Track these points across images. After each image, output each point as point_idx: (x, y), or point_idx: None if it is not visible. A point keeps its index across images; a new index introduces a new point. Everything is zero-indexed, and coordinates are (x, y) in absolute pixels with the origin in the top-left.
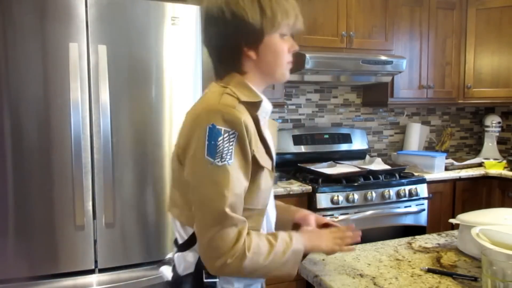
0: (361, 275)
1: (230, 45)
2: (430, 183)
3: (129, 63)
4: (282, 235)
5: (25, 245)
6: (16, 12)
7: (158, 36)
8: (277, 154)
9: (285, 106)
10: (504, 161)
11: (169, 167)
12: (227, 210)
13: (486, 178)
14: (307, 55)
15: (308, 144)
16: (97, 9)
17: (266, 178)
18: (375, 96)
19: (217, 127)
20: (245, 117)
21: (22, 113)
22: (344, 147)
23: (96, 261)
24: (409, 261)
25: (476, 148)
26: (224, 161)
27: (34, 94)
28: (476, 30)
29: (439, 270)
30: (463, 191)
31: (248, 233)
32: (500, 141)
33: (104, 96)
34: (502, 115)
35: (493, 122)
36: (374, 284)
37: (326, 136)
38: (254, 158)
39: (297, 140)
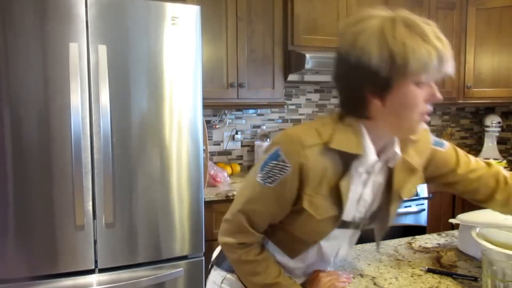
0: (361, 275)
1: (353, 89)
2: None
3: (129, 63)
4: (283, 280)
5: (25, 245)
6: (16, 12)
7: (158, 36)
8: None
9: (285, 106)
10: (504, 161)
11: (169, 167)
12: (240, 216)
13: None
14: (307, 55)
15: None
16: (97, 9)
17: (319, 223)
18: None
19: (280, 152)
20: (312, 162)
21: (22, 113)
22: None
23: (96, 261)
24: (409, 261)
25: (476, 148)
26: (262, 180)
27: (34, 94)
28: (476, 30)
29: (439, 270)
30: None
31: (261, 252)
32: (500, 141)
33: (104, 96)
34: (502, 115)
35: (493, 122)
36: (374, 284)
37: None
38: (301, 199)
39: None
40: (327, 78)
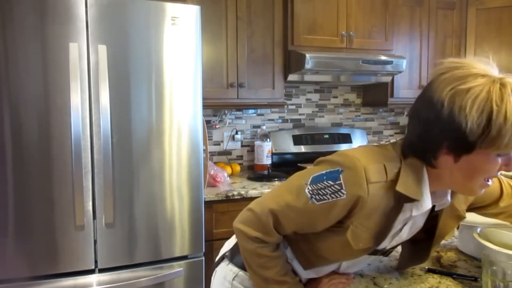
0: (361, 275)
1: (431, 137)
2: None
3: (129, 63)
4: (288, 279)
5: (25, 245)
6: (16, 12)
7: (158, 36)
8: (277, 154)
9: (285, 106)
10: None
11: (169, 167)
12: (269, 217)
13: None
14: (307, 55)
15: (308, 144)
16: (97, 9)
17: (349, 250)
18: (375, 96)
19: (341, 176)
20: (371, 197)
21: (22, 113)
22: (344, 147)
23: (96, 261)
24: None
25: None
26: (311, 196)
27: (34, 94)
28: (476, 30)
29: (439, 270)
30: None
31: (276, 249)
32: None
33: (104, 96)
34: None
35: None
36: (374, 284)
37: (326, 136)
38: (344, 227)
39: (297, 140)
40: (327, 78)
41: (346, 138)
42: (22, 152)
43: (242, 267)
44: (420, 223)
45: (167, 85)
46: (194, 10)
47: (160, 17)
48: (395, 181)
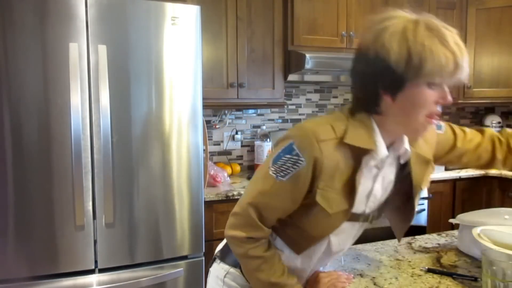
0: (361, 275)
1: (368, 84)
2: (430, 183)
3: (129, 63)
4: (286, 281)
5: (25, 245)
6: (16, 12)
7: (158, 36)
8: None
9: (285, 106)
10: None
11: (169, 167)
12: (250, 210)
13: (486, 178)
14: (307, 55)
15: None
16: (97, 9)
17: (329, 217)
18: None
19: (293, 146)
20: (326, 156)
21: (22, 113)
22: None
23: (96, 261)
24: (409, 261)
25: None
26: (275, 174)
27: (34, 94)
28: (476, 30)
29: (439, 270)
30: (463, 191)
31: (268, 248)
32: None
33: (104, 96)
34: (502, 115)
35: (493, 122)
36: (374, 284)
37: None
38: (313, 193)
39: None
40: (327, 78)
41: None
42: (22, 152)
43: (233, 265)
44: (390, 176)
45: (167, 85)
46: (194, 10)
47: (160, 17)
48: (344, 136)
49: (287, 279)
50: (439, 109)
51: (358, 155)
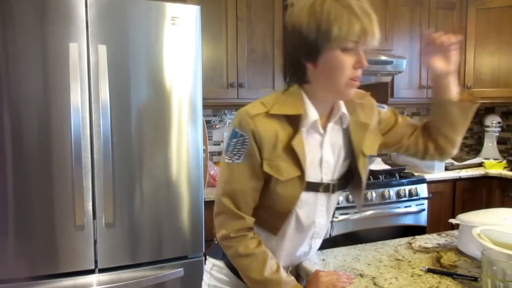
0: (361, 275)
1: (292, 56)
2: (430, 183)
3: (129, 63)
4: (280, 277)
5: (25, 245)
6: (16, 12)
7: (158, 36)
8: None
9: None
10: (504, 161)
11: (169, 167)
12: (224, 199)
13: (486, 178)
14: None
15: None
16: (97, 9)
17: (286, 186)
18: (375, 96)
19: (235, 129)
20: (261, 127)
21: (22, 113)
22: None
23: (96, 261)
24: (409, 261)
25: (476, 148)
26: (231, 159)
27: (34, 94)
28: (476, 30)
29: (439, 270)
30: (463, 191)
31: (258, 245)
32: (500, 141)
33: (104, 96)
34: (502, 115)
35: (493, 122)
36: (374, 284)
37: None
38: (263, 164)
39: None
40: None
41: None
42: (22, 152)
43: (218, 258)
44: (338, 142)
45: (167, 85)
46: (194, 10)
47: (160, 17)
48: (271, 109)
49: (282, 276)
50: (359, 73)
51: (293, 123)
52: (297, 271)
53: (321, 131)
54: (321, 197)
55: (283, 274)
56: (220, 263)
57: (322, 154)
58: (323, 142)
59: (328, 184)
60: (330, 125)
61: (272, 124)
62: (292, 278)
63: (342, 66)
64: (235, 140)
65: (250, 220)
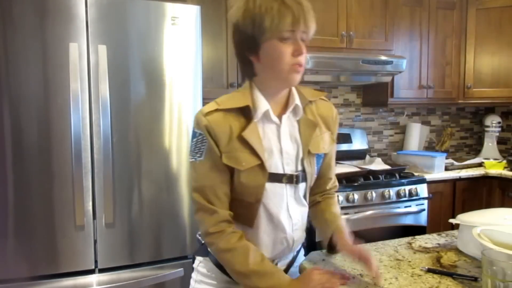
0: (361, 275)
1: (238, 53)
2: (430, 183)
3: (129, 63)
4: (266, 266)
5: (25, 245)
6: (16, 12)
7: (158, 36)
8: None
9: None
10: (504, 161)
11: (169, 167)
12: (195, 195)
13: (486, 178)
14: (307, 55)
15: None
16: (97, 9)
17: (248, 175)
18: (375, 96)
19: (194, 130)
20: (214, 122)
21: (22, 113)
22: (344, 147)
23: (96, 261)
24: (409, 261)
25: (476, 148)
26: (193, 158)
27: (34, 94)
28: (476, 30)
29: (439, 270)
30: (463, 191)
31: (240, 239)
32: (500, 141)
33: (104, 96)
34: (502, 115)
35: (493, 122)
36: (374, 284)
37: None
38: (222, 158)
39: None
40: (327, 78)
41: (346, 138)
42: (22, 152)
43: (202, 255)
44: (296, 134)
45: (167, 85)
46: (194, 10)
47: (160, 17)
48: (221, 104)
49: (267, 266)
50: (301, 59)
51: (247, 116)
52: (288, 267)
53: (277, 121)
54: (288, 188)
55: (268, 264)
56: (204, 259)
57: (281, 144)
58: (280, 133)
59: (291, 175)
60: (285, 116)
61: (226, 118)
62: (279, 268)
63: (281, 54)
64: (195, 139)
65: (224, 213)
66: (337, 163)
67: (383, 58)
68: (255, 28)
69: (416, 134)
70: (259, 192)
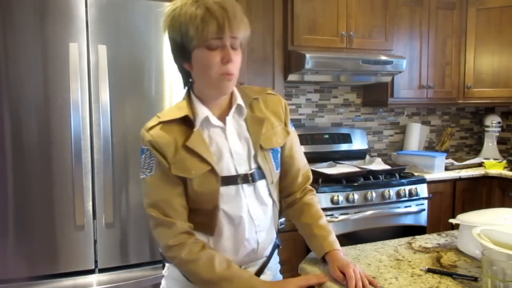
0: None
1: (175, 62)
2: (430, 183)
3: (129, 63)
4: (233, 271)
5: (25, 245)
6: (16, 12)
7: (158, 36)
8: None
9: None
10: (504, 161)
11: None
12: (150, 211)
13: (486, 178)
14: (307, 55)
15: (308, 144)
16: (97, 9)
17: (201, 182)
18: (375, 96)
19: (141, 147)
20: (157, 136)
21: (22, 113)
22: (344, 147)
23: (96, 261)
24: (409, 261)
25: (476, 148)
26: (143, 174)
27: (34, 94)
28: (476, 30)
29: (439, 270)
30: (463, 191)
31: (202, 249)
32: (500, 141)
33: (104, 96)
34: (502, 115)
35: (493, 122)
36: None
37: (326, 136)
38: (171, 169)
39: None
40: (327, 78)
41: (346, 138)
42: (22, 152)
43: (168, 261)
44: (245, 133)
45: (167, 85)
46: None
47: (160, 17)
48: (161, 118)
49: (234, 271)
50: (229, 67)
51: (189, 125)
52: (258, 274)
53: (220, 124)
54: (245, 188)
55: (236, 268)
56: (171, 266)
57: (230, 145)
58: (226, 134)
59: (246, 175)
60: (229, 117)
61: (169, 130)
62: (248, 271)
63: (209, 63)
64: (143, 156)
65: (182, 225)
66: (337, 163)
67: (383, 58)
68: (183, 37)
69: (416, 134)
70: (215, 198)
